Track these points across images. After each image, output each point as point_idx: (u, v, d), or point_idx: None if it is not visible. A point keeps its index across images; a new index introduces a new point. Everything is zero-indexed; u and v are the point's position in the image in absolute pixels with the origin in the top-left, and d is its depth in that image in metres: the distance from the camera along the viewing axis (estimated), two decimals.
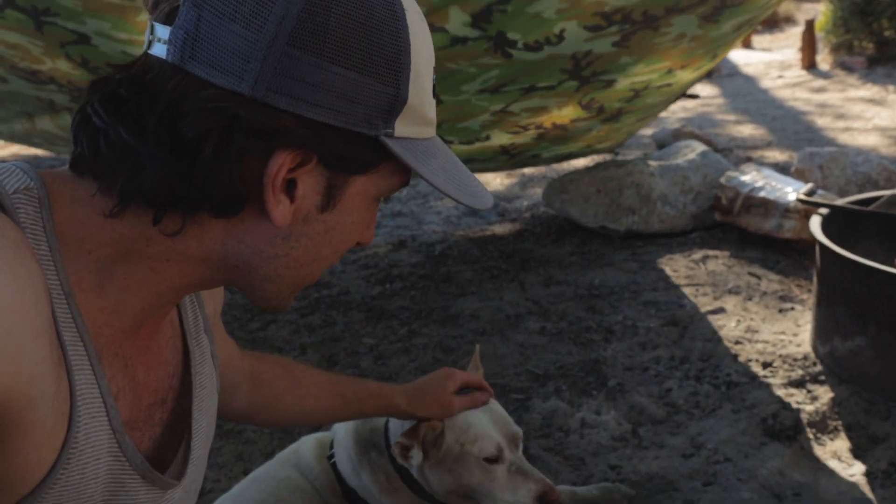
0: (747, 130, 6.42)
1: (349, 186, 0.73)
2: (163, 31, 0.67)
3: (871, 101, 7.22)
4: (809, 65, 9.49)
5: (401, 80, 0.70)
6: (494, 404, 1.49)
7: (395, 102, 0.70)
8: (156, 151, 0.66)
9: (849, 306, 2.32)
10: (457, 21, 2.37)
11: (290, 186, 0.70)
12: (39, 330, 0.63)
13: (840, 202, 2.76)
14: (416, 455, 1.38)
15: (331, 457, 1.58)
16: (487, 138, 3.41)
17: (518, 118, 3.22)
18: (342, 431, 1.59)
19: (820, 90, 8.10)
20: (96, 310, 0.71)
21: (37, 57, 2.60)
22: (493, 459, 1.40)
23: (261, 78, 0.65)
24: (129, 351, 0.76)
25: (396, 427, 1.48)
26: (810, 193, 3.08)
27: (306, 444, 1.64)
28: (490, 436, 1.41)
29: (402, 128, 0.72)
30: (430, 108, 0.76)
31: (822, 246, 2.39)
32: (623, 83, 3.12)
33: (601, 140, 3.87)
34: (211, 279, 0.76)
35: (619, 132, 3.85)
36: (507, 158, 3.89)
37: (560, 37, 2.56)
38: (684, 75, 3.30)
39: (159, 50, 0.67)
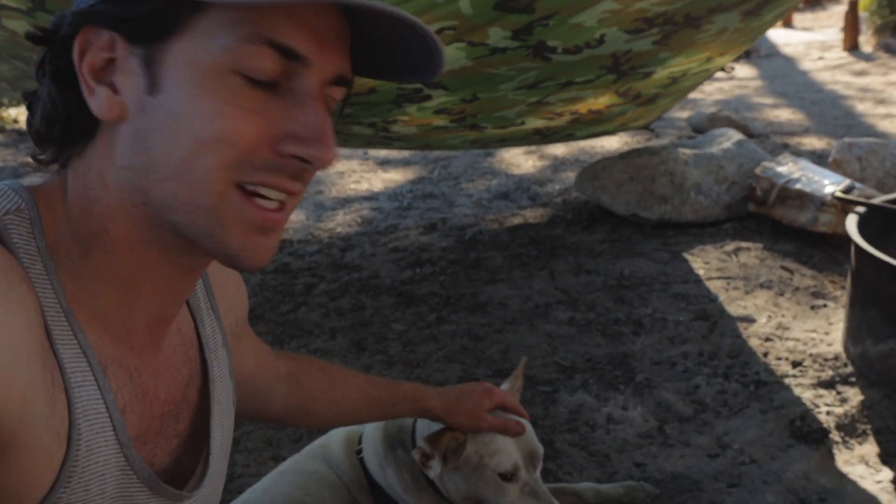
0: (785, 115, 6.31)
1: (167, 57, 0.65)
2: None
3: None
4: (852, 46, 9.29)
5: None
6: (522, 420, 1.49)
7: None
8: (42, 92, 0.71)
9: (883, 309, 2.29)
10: (497, 36, 2.35)
11: (112, 80, 0.68)
12: (31, 352, 0.63)
13: (877, 201, 2.71)
14: (435, 466, 1.39)
15: (359, 451, 1.60)
16: (522, 123, 3.40)
17: (554, 107, 3.21)
18: (371, 427, 1.60)
19: (861, 73, 7.93)
20: (90, 319, 0.71)
21: None
22: (508, 477, 1.41)
23: None
24: (133, 361, 0.76)
25: (424, 428, 1.50)
26: (848, 190, 3.03)
27: (335, 438, 1.66)
28: (509, 452, 1.41)
29: None
30: None
31: (858, 247, 2.36)
32: (661, 73, 3.08)
33: (635, 119, 3.84)
34: (161, 252, 0.72)
35: (653, 112, 3.82)
36: (539, 138, 3.88)
37: (600, 40, 2.54)
38: (722, 60, 3.26)
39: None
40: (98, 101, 0.67)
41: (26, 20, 2.37)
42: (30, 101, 0.73)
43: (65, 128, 0.70)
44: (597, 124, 3.70)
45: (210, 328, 0.90)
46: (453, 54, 2.43)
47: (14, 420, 0.61)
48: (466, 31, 2.28)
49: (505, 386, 1.57)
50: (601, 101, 3.28)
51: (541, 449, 1.47)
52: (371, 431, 1.60)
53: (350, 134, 3.26)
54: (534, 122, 3.44)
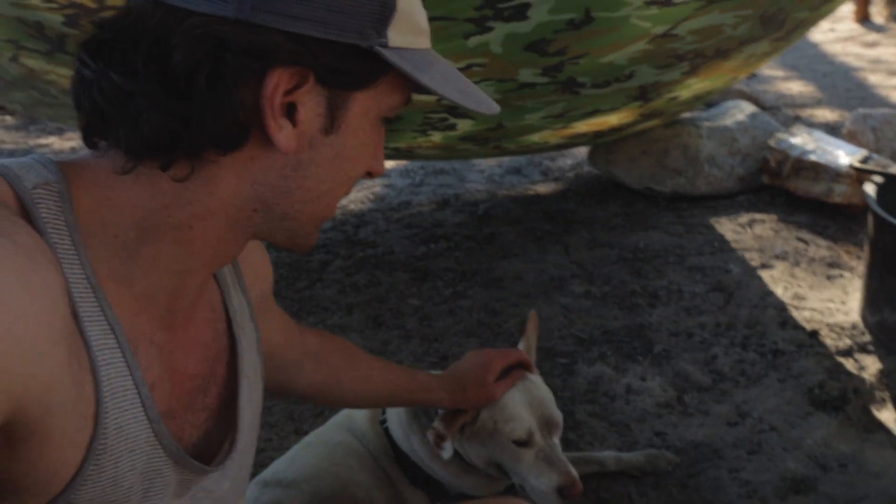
0: (796, 87, 6.28)
1: (350, 105, 0.71)
2: None
3: None
4: (863, 17, 9.21)
5: None
6: (540, 385, 1.49)
7: (384, 10, 0.68)
8: (149, 90, 0.64)
9: None
10: (527, 74, 2.34)
11: (290, 111, 0.68)
12: (55, 337, 0.62)
13: (895, 170, 2.70)
14: (448, 448, 1.39)
15: (383, 421, 1.61)
16: (545, 142, 3.42)
17: (577, 129, 3.22)
18: None
19: (873, 45, 7.87)
20: (128, 299, 0.70)
21: None
22: (523, 443, 1.42)
23: None
24: (165, 338, 0.75)
25: None
26: (865, 160, 3.02)
27: (359, 409, 1.68)
28: (522, 419, 1.41)
29: (395, 37, 0.70)
30: (421, 17, 0.74)
31: (877, 216, 2.35)
32: (686, 95, 3.09)
33: (653, 127, 3.83)
34: (235, 241, 0.75)
35: (672, 118, 3.81)
36: (559, 149, 3.90)
37: (629, 76, 2.54)
38: (745, 73, 3.26)
39: None
40: (284, 136, 0.68)
41: (45, 60, 2.35)
42: (127, 98, 0.66)
43: (169, 132, 0.66)
44: (617, 133, 3.70)
45: (237, 302, 0.89)
46: (482, 90, 2.41)
47: (40, 409, 0.61)
48: (496, 70, 2.26)
49: (521, 346, 1.58)
50: (625, 120, 3.29)
51: (559, 416, 1.47)
52: None
53: None
54: (556, 140, 3.45)
